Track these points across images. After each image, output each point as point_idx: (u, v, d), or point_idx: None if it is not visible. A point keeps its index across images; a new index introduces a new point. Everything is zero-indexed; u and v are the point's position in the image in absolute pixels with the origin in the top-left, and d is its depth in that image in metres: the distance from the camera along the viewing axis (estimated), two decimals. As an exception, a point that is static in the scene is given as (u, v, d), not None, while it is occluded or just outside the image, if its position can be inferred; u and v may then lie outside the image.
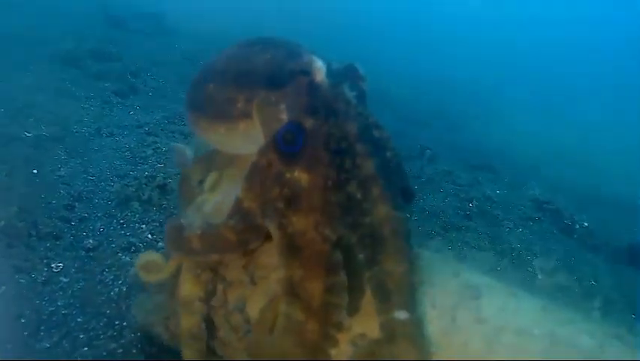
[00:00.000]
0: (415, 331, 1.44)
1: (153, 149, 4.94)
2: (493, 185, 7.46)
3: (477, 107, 12.73)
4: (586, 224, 5.97)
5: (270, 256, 1.62)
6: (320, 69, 1.43)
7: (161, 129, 5.56)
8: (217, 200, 1.68)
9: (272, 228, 1.37)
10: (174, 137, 5.45)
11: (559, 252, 5.46)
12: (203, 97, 1.58)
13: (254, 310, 1.66)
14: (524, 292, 1.74)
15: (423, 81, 14.07)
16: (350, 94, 1.46)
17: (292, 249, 1.34)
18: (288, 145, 1.34)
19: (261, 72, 1.49)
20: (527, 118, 12.73)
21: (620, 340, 1.57)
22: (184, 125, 5.42)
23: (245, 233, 1.42)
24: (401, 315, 1.39)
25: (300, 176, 1.34)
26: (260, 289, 1.71)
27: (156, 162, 4.74)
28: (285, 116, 1.42)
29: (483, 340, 1.56)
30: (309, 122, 1.36)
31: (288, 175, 1.35)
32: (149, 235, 3.53)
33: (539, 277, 2.18)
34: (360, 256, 1.40)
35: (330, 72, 1.45)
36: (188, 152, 1.76)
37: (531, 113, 13.45)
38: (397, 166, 1.53)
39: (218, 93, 1.54)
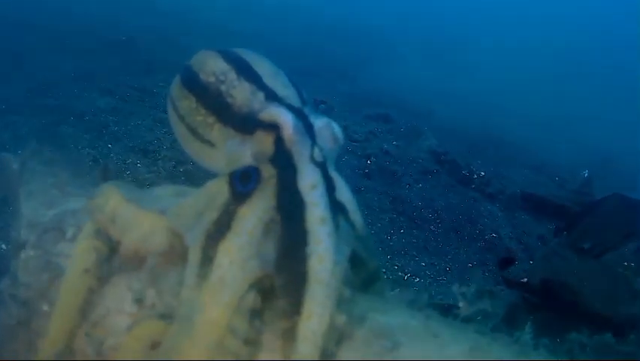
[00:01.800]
0: None
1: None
2: (390, 136, 7.29)
3: (369, 53, 12.49)
4: (482, 173, 5.94)
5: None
6: (287, 124, 1.37)
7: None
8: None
9: (193, 247, 1.31)
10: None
11: (459, 204, 5.37)
12: (185, 107, 1.58)
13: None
14: (445, 329, 1.42)
15: (310, 27, 13.56)
16: (317, 152, 1.39)
17: (203, 273, 1.27)
18: (242, 183, 1.35)
19: (236, 111, 1.48)
20: (420, 64, 12.69)
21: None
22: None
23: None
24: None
25: (242, 211, 1.32)
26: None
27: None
28: (248, 160, 1.40)
29: (405, 411, 1.23)
30: (268, 171, 1.36)
31: (232, 207, 1.33)
32: None
33: (460, 305, 1.91)
34: (282, 302, 1.28)
35: (300, 129, 1.40)
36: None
37: (424, 59, 13.43)
38: (355, 237, 1.44)
39: (196, 114, 1.55)
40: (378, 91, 9.40)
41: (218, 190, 1.34)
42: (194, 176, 4.74)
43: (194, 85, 1.55)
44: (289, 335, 1.24)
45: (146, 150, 4.89)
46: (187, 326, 1.21)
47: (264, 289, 1.31)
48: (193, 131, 1.59)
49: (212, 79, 1.52)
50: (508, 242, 4.93)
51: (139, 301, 1.37)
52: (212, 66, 1.54)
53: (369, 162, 6.05)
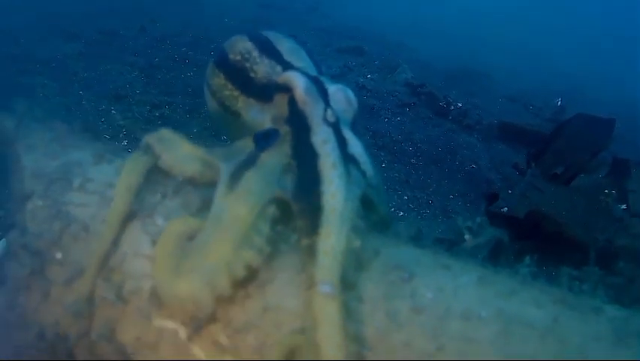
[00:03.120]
0: (339, 313, 1.24)
1: None
2: (365, 70, 7.22)
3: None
4: (460, 105, 5.96)
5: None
6: (299, 87, 1.52)
7: None
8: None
9: (226, 171, 1.45)
10: None
11: (438, 137, 5.41)
12: (214, 84, 1.80)
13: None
14: (454, 261, 1.46)
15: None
16: (330, 113, 1.52)
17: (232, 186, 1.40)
18: (264, 139, 1.51)
19: (257, 83, 1.70)
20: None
21: (564, 304, 1.37)
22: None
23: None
24: (326, 288, 1.25)
25: (263, 156, 1.47)
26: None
27: None
28: (268, 124, 1.60)
29: (428, 335, 1.27)
30: (283, 129, 1.54)
31: (255, 154, 1.48)
32: None
33: (466, 237, 1.96)
34: (300, 223, 1.39)
35: (313, 91, 1.53)
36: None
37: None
38: (366, 184, 1.55)
39: (224, 89, 1.77)
40: (349, 25, 9.22)
41: (245, 145, 1.52)
42: (170, 120, 4.64)
43: (224, 64, 1.77)
44: (309, 251, 1.31)
45: (119, 95, 4.75)
46: (217, 223, 1.31)
47: (283, 210, 1.42)
48: (223, 105, 1.78)
49: (238, 57, 1.75)
50: (487, 172, 5.01)
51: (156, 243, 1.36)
52: (239, 47, 1.76)
53: (345, 97, 5.98)
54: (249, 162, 1.44)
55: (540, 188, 3.59)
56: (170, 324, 1.30)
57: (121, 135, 4.13)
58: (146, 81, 5.18)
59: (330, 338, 1.20)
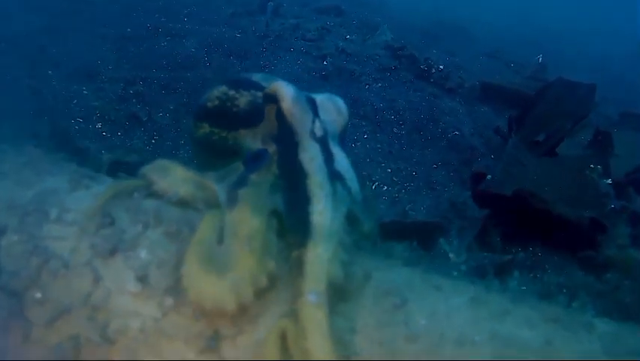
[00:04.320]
0: (326, 320, 1.24)
1: None
2: (343, 31, 7.05)
3: None
4: (441, 67, 5.86)
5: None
6: (286, 96, 1.53)
7: None
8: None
9: (221, 191, 1.49)
10: None
11: (420, 103, 5.35)
12: (201, 135, 1.86)
13: None
14: (446, 281, 1.44)
15: None
16: (319, 127, 1.55)
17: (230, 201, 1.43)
18: (253, 161, 1.53)
19: (242, 115, 1.73)
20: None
21: (556, 323, 1.38)
22: None
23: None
24: (313, 297, 1.26)
25: (254, 177, 1.49)
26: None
27: None
28: (259, 145, 1.62)
29: (422, 364, 1.26)
30: (272, 148, 1.57)
31: (245, 175, 1.49)
32: None
33: (450, 255, 1.96)
34: (290, 237, 1.43)
35: (302, 102, 1.55)
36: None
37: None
38: (351, 200, 1.55)
39: (211, 135, 1.82)
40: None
41: (237, 168, 1.56)
42: (145, 97, 4.51)
43: (205, 114, 1.85)
44: (298, 262, 1.33)
45: (90, 72, 4.57)
46: (234, 237, 1.34)
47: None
48: (214, 150, 1.82)
49: (216, 102, 1.81)
50: (471, 138, 4.98)
51: (142, 278, 1.32)
52: (215, 94, 1.83)
53: (325, 62, 5.88)
54: (241, 183, 1.46)
55: (522, 161, 3.57)
56: (160, 365, 1.27)
57: (94, 118, 4.00)
58: (118, 55, 5.00)
59: (319, 344, 1.20)
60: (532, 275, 2.81)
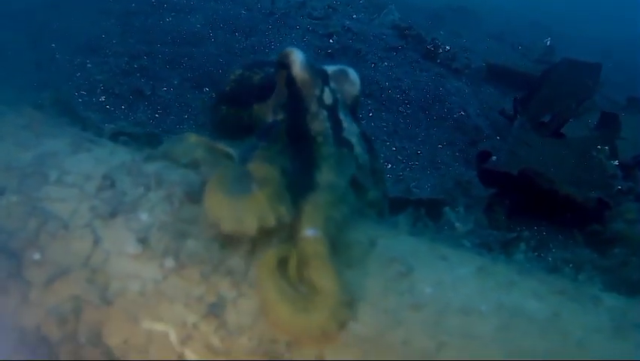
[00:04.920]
0: (326, 250, 1.25)
1: None
2: (350, 10, 6.98)
3: None
4: (448, 48, 5.79)
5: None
6: (296, 61, 1.54)
7: None
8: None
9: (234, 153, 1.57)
10: None
11: (426, 82, 5.29)
12: (219, 117, 1.90)
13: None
14: (452, 251, 1.42)
15: None
16: (328, 95, 1.56)
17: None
18: (264, 132, 1.55)
19: (255, 90, 1.75)
20: None
21: (563, 295, 1.35)
22: None
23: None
24: (311, 232, 1.26)
25: (264, 145, 1.49)
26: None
27: None
28: (270, 117, 1.64)
29: (427, 332, 1.24)
30: (281, 117, 1.60)
31: (256, 144, 1.49)
32: None
33: (456, 225, 1.94)
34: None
35: (311, 69, 1.56)
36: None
37: None
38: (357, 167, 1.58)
39: (227, 113, 1.87)
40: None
41: (250, 140, 1.55)
42: (149, 71, 4.47)
43: (224, 97, 1.91)
44: (298, 212, 1.32)
45: (94, 46, 4.53)
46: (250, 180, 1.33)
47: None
48: (231, 131, 1.84)
49: (233, 84, 1.88)
50: (476, 119, 4.94)
51: (143, 240, 1.29)
52: (231, 77, 1.90)
53: (331, 40, 5.82)
54: (253, 149, 1.46)
55: (528, 142, 3.53)
56: (159, 326, 1.25)
57: (98, 91, 3.97)
58: (123, 30, 4.95)
59: (323, 272, 1.20)
60: (537, 253, 2.80)
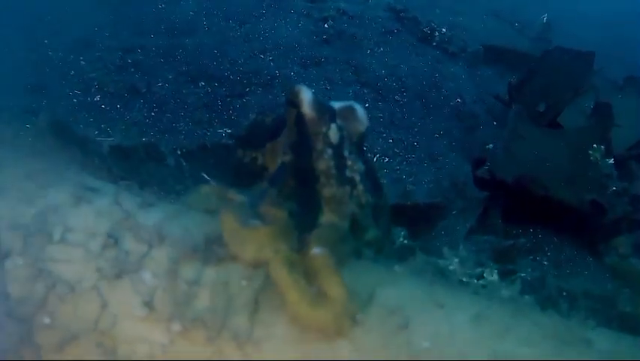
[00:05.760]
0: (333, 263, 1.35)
1: None
2: (345, -11, 6.88)
3: None
4: (444, 30, 5.74)
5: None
6: (305, 100, 1.62)
7: None
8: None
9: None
10: None
11: (423, 69, 5.27)
12: (237, 160, 1.95)
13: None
14: (448, 294, 1.46)
15: None
16: (335, 133, 1.63)
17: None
18: (274, 178, 1.66)
19: (267, 131, 1.81)
20: None
21: (555, 339, 1.40)
22: None
23: None
24: (318, 250, 1.36)
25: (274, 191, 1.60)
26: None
27: None
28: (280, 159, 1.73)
29: (423, 388, 1.29)
30: (287, 157, 1.69)
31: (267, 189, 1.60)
32: None
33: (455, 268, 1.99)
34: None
35: (319, 107, 1.64)
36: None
37: None
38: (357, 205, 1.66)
39: (245, 156, 1.90)
40: None
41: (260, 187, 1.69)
42: (144, 66, 4.43)
43: (239, 142, 1.97)
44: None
45: (87, 40, 4.47)
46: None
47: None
48: (247, 174, 1.90)
49: (248, 129, 2.00)
50: (473, 106, 4.93)
51: (149, 303, 1.33)
52: (247, 123, 2.07)
53: (326, 25, 5.75)
54: (263, 195, 1.55)
55: (524, 134, 3.54)
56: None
57: (93, 90, 3.95)
58: (115, 20, 4.89)
59: (331, 280, 1.30)
60: (532, 257, 2.86)
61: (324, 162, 1.63)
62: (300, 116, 1.64)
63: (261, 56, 5.01)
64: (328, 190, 1.61)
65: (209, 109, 4.21)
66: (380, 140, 4.31)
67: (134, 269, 1.36)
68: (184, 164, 3.27)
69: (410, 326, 1.36)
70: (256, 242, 1.36)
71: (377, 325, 1.36)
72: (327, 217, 1.58)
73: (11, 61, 3.98)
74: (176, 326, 1.30)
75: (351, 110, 1.71)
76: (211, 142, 3.53)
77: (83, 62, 4.19)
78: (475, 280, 2.45)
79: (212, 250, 1.40)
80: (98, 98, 3.94)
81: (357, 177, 1.66)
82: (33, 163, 1.59)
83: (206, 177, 3.38)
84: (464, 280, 2.43)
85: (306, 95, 1.64)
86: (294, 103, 1.65)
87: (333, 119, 1.65)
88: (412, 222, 2.78)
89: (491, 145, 4.46)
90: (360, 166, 1.67)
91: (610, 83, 5.83)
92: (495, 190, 2.89)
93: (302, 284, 1.29)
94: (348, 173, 1.65)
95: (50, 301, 1.33)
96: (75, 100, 3.87)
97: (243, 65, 4.68)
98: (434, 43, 5.74)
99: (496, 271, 2.52)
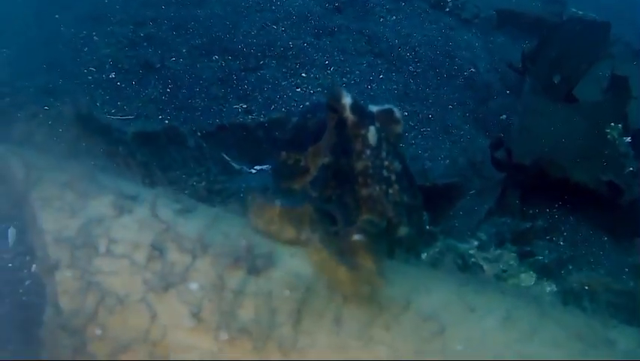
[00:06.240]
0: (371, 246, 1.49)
1: None
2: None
3: None
4: (457, -5, 5.63)
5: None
6: (346, 105, 1.69)
7: None
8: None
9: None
10: None
11: (436, 37, 5.21)
12: (280, 162, 1.96)
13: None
14: (479, 298, 1.52)
15: None
16: (373, 135, 1.69)
17: None
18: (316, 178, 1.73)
19: (310, 134, 1.85)
20: None
21: (580, 340, 1.46)
22: None
23: None
24: (357, 236, 1.50)
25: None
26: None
27: None
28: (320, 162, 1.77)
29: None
30: (328, 159, 1.73)
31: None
32: None
33: (485, 267, 2.02)
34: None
35: (359, 111, 1.70)
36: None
37: None
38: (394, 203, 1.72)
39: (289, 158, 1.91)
40: None
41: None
42: (156, 39, 4.40)
43: (282, 145, 1.97)
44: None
45: (98, 14, 4.42)
46: None
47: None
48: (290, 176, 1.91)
49: (292, 131, 2.00)
50: (487, 75, 4.89)
51: (197, 314, 1.38)
52: (289, 125, 2.05)
53: (338, -8, 5.64)
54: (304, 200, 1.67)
55: (539, 109, 3.53)
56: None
57: (107, 67, 3.93)
58: (126, -10, 4.82)
59: (366, 256, 1.44)
60: (549, 237, 2.90)
61: (363, 163, 1.69)
62: (340, 121, 1.70)
63: (274, 26, 4.94)
64: (366, 190, 1.67)
65: (225, 84, 4.19)
66: (395, 113, 4.30)
67: (180, 281, 1.41)
68: (204, 145, 3.30)
69: (444, 333, 1.42)
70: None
71: (412, 332, 1.41)
72: (365, 216, 1.63)
73: (24, 38, 3.96)
74: (224, 336, 1.35)
75: (389, 113, 1.79)
76: (229, 122, 3.55)
77: (95, 38, 4.15)
78: (495, 264, 2.51)
79: (253, 258, 1.44)
80: (112, 75, 3.93)
81: (394, 177, 1.72)
82: (68, 167, 1.62)
83: (226, 157, 3.42)
84: (484, 265, 2.49)
85: (346, 100, 1.70)
86: (334, 108, 1.71)
87: (372, 122, 1.71)
88: (430, 203, 2.81)
89: (505, 116, 4.45)
90: (396, 166, 1.74)
91: (627, 48, 5.75)
92: (513, 171, 2.91)
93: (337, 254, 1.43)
94: (385, 173, 1.71)
95: (100, 314, 1.39)
96: (90, 77, 3.86)
97: (256, 37, 4.62)
98: (447, 10, 5.65)
99: (514, 254, 2.57)
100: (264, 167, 3.56)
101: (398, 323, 1.42)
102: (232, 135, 3.48)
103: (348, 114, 1.69)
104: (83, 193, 1.57)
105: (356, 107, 1.71)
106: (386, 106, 1.81)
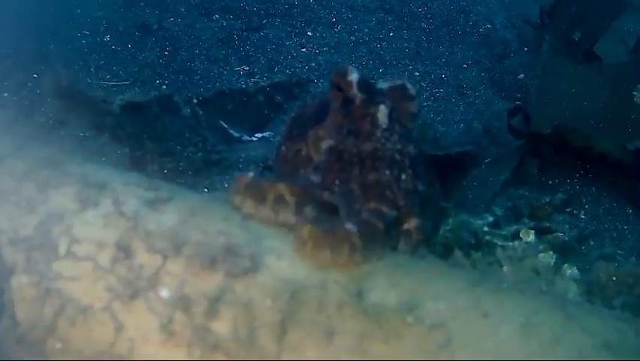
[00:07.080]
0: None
1: None
2: None
3: None
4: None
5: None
6: (353, 82, 1.54)
7: None
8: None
9: None
10: None
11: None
12: (281, 156, 1.82)
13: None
14: (493, 303, 1.33)
15: None
16: (384, 113, 1.53)
17: None
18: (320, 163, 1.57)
19: (310, 118, 1.70)
20: None
21: (606, 349, 1.29)
22: None
23: None
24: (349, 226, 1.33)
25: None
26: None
27: None
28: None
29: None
30: (331, 142, 1.56)
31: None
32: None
33: (504, 269, 1.84)
34: None
35: (367, 88, 1.55)
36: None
37: None
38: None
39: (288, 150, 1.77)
40: None
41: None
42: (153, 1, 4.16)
43: (282, 137, 1.91)
44: None
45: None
46: None
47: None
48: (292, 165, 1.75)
49: (290, 125, 1.87)
50: (503, 31, 4.60)
51: (167, 327, 1.23)
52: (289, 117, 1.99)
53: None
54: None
55: (558, 71, 3.28)
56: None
57: (102, 29, 3.73)
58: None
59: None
60: (569, 210, 2.69)
61: (372, 145, 1.51)
62: (347, 100, 1.55)
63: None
64: (374, 175, 1.48)
65: (225, 45, 3.99)
66: (406, 73, 4.06)
67: (148, 286, 1.25)
68: (200, 113, 3.11)
69: (451, 344, 1.25)
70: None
71: (417, 343, 1.25)
72: (371, 204, 1.43)
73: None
74: (197, 352, 1.20)
75: (402, 89, 1.62)
76: (228, 87, 3.35)
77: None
78: (511, 243, 2.32)
79: (232, 259, 1.27)
80: (107, 38, 3.73)
81: (407, 161, 1.52)
82: (33, 150, 1.44)
83: (224, 124, 3.23)
84: (499, 243, 2.31)
85: (353, 77, 1.55)
86: (339, 86, 1.56)
87: (382, 100, 1.55)
88: (442, 172, 2.61)
89: (522, 75, 4.19)
90: (411, 148, 1.55)
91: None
92: (531, 139, 2.69)
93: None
94: (397, 156, 1.52)
95: (60, 326, 1.23)
96: (84, 41, 3.67)
97: (259, -7, 4.38)
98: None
99: (532, 231, 2.38)
100: (266, 134, 3.38)
101: (398, 333, 1.25)
102: (231, 101, 3.29)
103: (355, 92, 1.54)
104: (44, 184, 1.40)
105: (364, 85, 1.56)
106: (398, 82, 1.63)
